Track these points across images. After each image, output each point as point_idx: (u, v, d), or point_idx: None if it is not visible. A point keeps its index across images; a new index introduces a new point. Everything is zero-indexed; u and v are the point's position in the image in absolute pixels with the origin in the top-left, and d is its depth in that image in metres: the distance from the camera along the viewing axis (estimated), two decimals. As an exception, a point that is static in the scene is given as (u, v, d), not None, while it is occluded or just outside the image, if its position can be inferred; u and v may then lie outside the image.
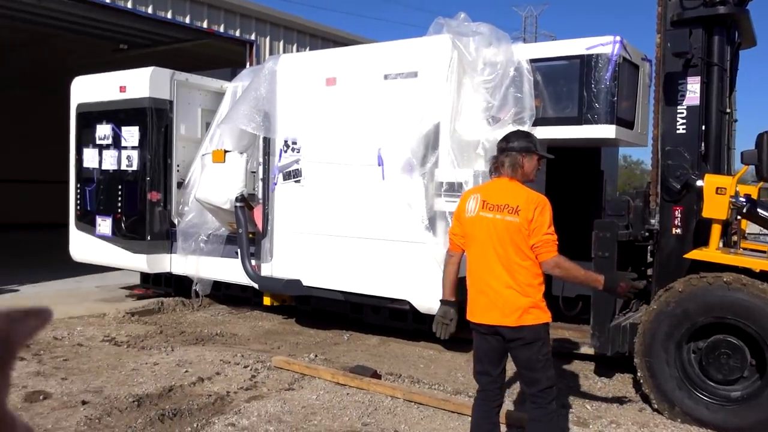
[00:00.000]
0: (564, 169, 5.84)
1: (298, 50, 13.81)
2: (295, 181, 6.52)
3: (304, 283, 6.47)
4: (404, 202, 5.67)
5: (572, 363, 5.84)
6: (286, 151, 6.60)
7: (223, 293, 8.06)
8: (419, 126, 5.60)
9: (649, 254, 5.67)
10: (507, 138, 3.38)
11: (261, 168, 7.04)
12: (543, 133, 5.26)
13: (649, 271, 5.62)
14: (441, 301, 3.45)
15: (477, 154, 5.51)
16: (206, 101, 8.17)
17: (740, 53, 5.94)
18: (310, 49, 14.02)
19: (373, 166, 5.89)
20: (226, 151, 7.11)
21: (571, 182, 6.19)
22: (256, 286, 6.87)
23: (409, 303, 5.86)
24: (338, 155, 6.18)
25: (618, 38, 5.30)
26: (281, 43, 13.57)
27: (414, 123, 5.63)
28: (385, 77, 5.91)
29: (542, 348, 3.18)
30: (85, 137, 8.34)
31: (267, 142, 6.82)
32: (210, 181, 7.17)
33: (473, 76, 5.53)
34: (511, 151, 3.28)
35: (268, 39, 13.28)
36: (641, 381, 4.71)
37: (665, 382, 4.60)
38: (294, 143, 6.53)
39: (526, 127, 5.21)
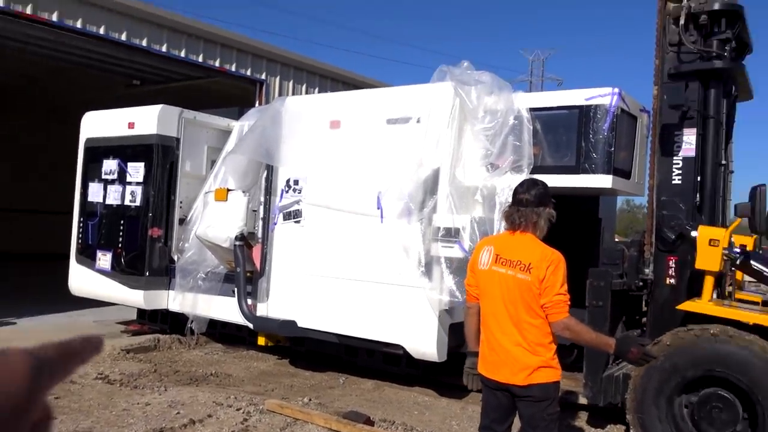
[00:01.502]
0: (562, 217, 5.86)
1: (307, 90, 14.05)
2: (295, 222, 6.58)
3: (299, 325, 6.48)
4: (401, 246, 5.72)
5: (565, 412, 5.78)
6: (287, 192, 6.68)
7: (218, 332, 8.03)
8: (419, 171, 5.68)
9: (643, 304, 5.67)
10: (523, 189, 3.29)
11: (262, 207, 7.11)
12: (544, 181, 5.32)
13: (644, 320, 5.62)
14: (467, 352, 3.46)
15: (475, 201, 5.58)
16: (213, 139, 8.30)
17: (737, 106, 6.06)
18: (319, 89, 14.28)
19: (372, 209, 5.95)
20: (228, 190, 7.20)
21: (568, 230, 6.21)
22: (251, 325, 6.87)
23: (402, 348, 5.85)
24: (339, 197, 6.25)
25: (616, 90, 5.41)
26: (291, 83, 13.82)
27: (414, 168, 5.71)
28: (388, 122, 6.02)
29: (549, 407, 3.13)
30: (92, 171, 8.45)
31: (269, 181, 6.91)
32: (211, 218, 7.24)
33: (474, 123, 5.64)
34: (528, 204, 3.21)
35: (278, 78, 13.53)
36: (634, 437, 4.67)
37: (658, 437, 4.56)
38: (296, 183, 6.62)
39: (523, 176, 5.28)
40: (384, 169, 5.94)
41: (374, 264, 5.95)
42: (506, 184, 5.32)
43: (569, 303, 3.12)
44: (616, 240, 12.90)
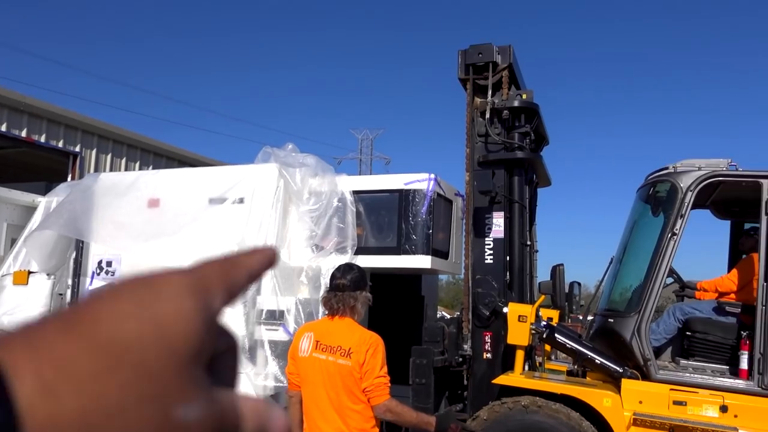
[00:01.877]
0: (386, 296, 6.03)
1: (127, 164, 13.39)
2: (108, 306, 6.09)
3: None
4: (224, 330, 5.48)
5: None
6: (99, 273, 6.21)
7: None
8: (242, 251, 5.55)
9: (465, 379, 5.90)
10: (339, 274, 3.33)
11: (69, 291, 6.52)
12: (364, 262, 5.43)
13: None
14: None
15: (300, 282, 5.55)
16: (14, 216, 7.56)
17: (538, 191, 6.69)
18: (140, 164, 13.66)
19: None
20: (30, 272, 6.54)
21: (393, 308, 6.38)
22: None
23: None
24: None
25: (432, 176, 5.74)
26: (109, 156, 13.10)
27: (237, 248, 5.57)
28: (211, 201, 5.87)
29: None
30: None
31: (78, 263, 6.38)
32: (9, 304, 6.50)
33: (298, 204, 5.67)
34: (344, 289, 3.25)
35: (95, 151, 12.78)
36: None
37: None
38: (109, 265, 6.17)
39: (348, 257, 5.37)
40: (206, 249, 5.74)
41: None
42: (331, 265, 5.35)
43: (389, 384, 3.17)
44: (444, 314, 13.49)
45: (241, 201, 5.74)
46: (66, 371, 0.30)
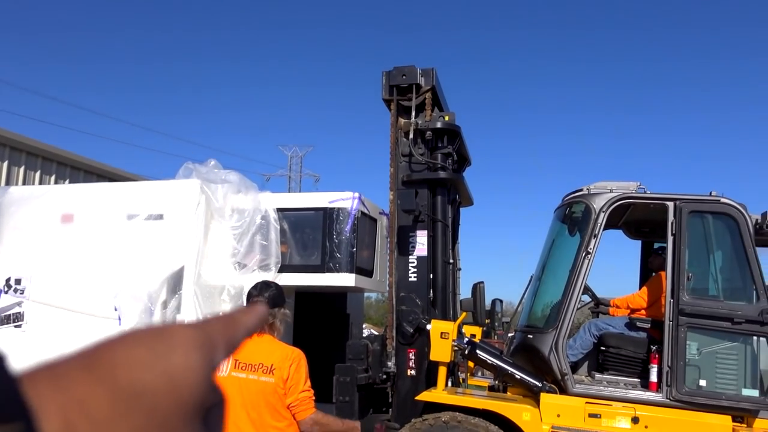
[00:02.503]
0: (311, 313, 6.00)
1: (41, 177, 12.79)
2: (15, 326, 5.79)
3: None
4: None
5: None
6: (7, 292, 5.89)
7: None
8: (162, 269, 5.41)
9: (389, 396, 5.91)
10: (256, 291, 3.32)
11: (-26, 310, 6.16)
12: (289, 279, 5.40)
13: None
14: None
15: (222, 300, 5.44)
16: None
17: (461, 211, 6.83)
18: (56, 178, 13.10)
19: (109, 311, 5.48)
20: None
21: (317, 326, 6.35)
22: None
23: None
24: (71, 298, 5.66)
25: (357, 194, 5.77)
26: (22, 168, 12.49)
27: (157, 265, 5.43)
28: (129, 217, 5.70)
29: None
30: None
31: (-17, 281, 6.04)
32: None
33: (221, 221, 5.58)
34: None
35: (6, 164, 12.15)
36: None
37: None
38: (18, 283, 5.87)
39: (271, 274, 5.32)
40: (123, 267, 5.56)
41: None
42: (254, 283, 5.29)
43: (314, 398, 3.16)
44: (372, 331, 13.50)
45: (161, 217, 5.59)
46: (87, 413, 0.32)
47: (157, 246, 5.48)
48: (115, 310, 5.47)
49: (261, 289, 3.34)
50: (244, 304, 3.45)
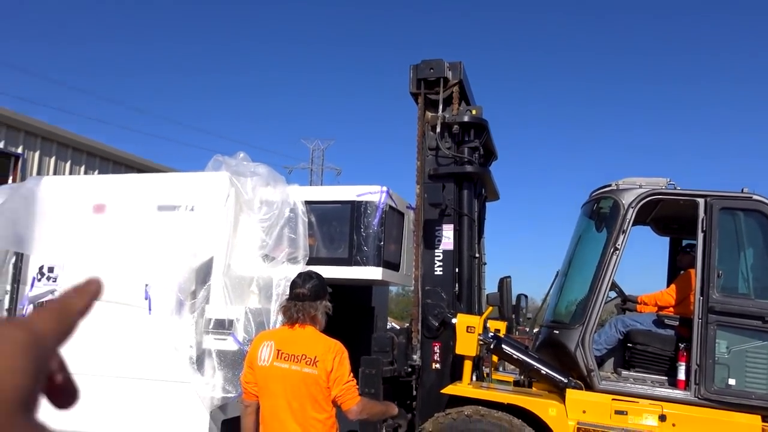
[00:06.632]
0: (337, 307, 6.02)
1: (72, 168, 13.03)
2: (49, 314, 5.91)
3: (56, 428, 5.70)
4: (171, 340, 5.39)
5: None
6: (40, 280, 6.01)
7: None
8: (192, 260, 5.48)
9: (413, 389, 5.94)
10: (299, 283, 3.34)
11: (8, 297, 6.29)
12: (318, 272, 5.42)
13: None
14: None
15: (251, 292, 5.50)
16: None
17: (486, 205, 6.82)
18: (86, 168, 13.32)
19: (139, 300, 5.57)
20: (-34, 278, 6.28)
21: (344, 319, 6.37)
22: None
23: (172, 447, 5.41)
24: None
25: (384, 188, 5.78)
26: (53, 159, 12.72)
27: (187, 257, 5.50)
28: (159, 209, 5.77)
29: None
30: None
31: (18, 268, 6.16)
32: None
33: (249, 214, 5.63)
34: (304, 298, 3.25)
35: (38, 153, 12.39)
36: None
37: None
38: (51, 271, 5.99)
39: (299, 267, 5.36)
40: (153, 257, 5.64)
41: (141, 359, 5.51)
42: (282, 275, 5.34)
43: (357, 386, 3.25)
44: (394, 325, 13.54)
45: (192, 209, 5.66)
46: None
47: (187, 237, 5.54)
48: (146, 299, 5.56)
49: (305, 279, 3.39)
50: (288, 293, 3.50)
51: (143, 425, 5.47)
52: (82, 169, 13.27)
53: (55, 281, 5.96)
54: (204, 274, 5.46)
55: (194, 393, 5.26)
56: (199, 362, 5.32)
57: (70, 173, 12.80)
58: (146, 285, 5.54)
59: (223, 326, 5.21)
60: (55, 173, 12.41)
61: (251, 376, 3.27)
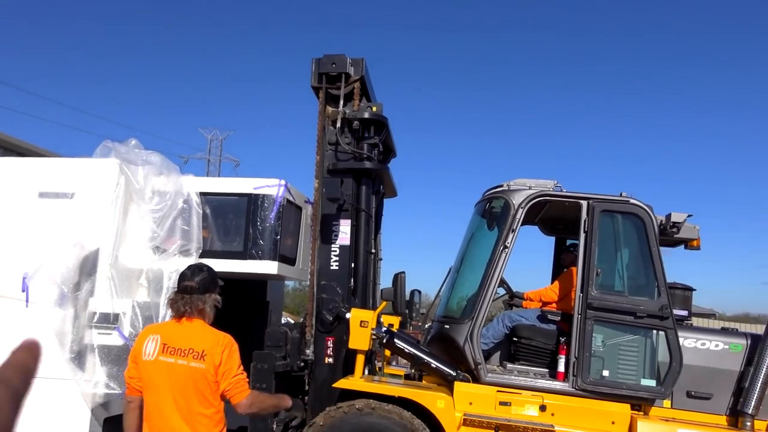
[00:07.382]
0: (231, 301, 5.91)
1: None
2: None
3: None
4: (50, 334, 5.10)
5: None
6: None
7: None
8: (76, 250, 5.20)
9: (306, 384, 5.95)
10: (188, 275, 3.26)
11: None
12: (210, 265, 5.30)
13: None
14: None
15: (140, 284, 5.29)
16: None
17: (384, 202, 6.92)
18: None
19: (15, 292, 5.24)
20: None
21: (237, 313, 6.27)
22: None
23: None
24: (-27, 277, 5.36)
25: (283, 182, 5.74)
26: None
27: (71, 247, 5.22)
28: (41, 195, 5.44)
29: None
30: None
31: None
32: None
33: (140, 204, 5.41)
34: (193, 291, 3.18)
35: None
36: None
37: None
38: None
39: (192, 259, 5.23)
40: (33, 246, 5.31)
41: (15, 355, 5.18)
42: (173, 268, 5.18)
43: (247, 379, 3.18)
44: (289, 320, 13.45)
45: (76, 197, 5.37)
46: None
47: (71, 226, 5.26)
48: (23, 291, 5.24)
49: (193, 272, 3.30)
50: (175, 286, 3.40)
51: (21, 425, 5.15)
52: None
53: None
54: (90, 265, 5.21)
55: (75, 390, 5.01)
56: (80, 358, 5.07)
57: (-59, 155, 11.81)
58: (24, 275, 5.22)
59: (108, 320, 5.00)
60: None
61: (135, 371, 3.17)
